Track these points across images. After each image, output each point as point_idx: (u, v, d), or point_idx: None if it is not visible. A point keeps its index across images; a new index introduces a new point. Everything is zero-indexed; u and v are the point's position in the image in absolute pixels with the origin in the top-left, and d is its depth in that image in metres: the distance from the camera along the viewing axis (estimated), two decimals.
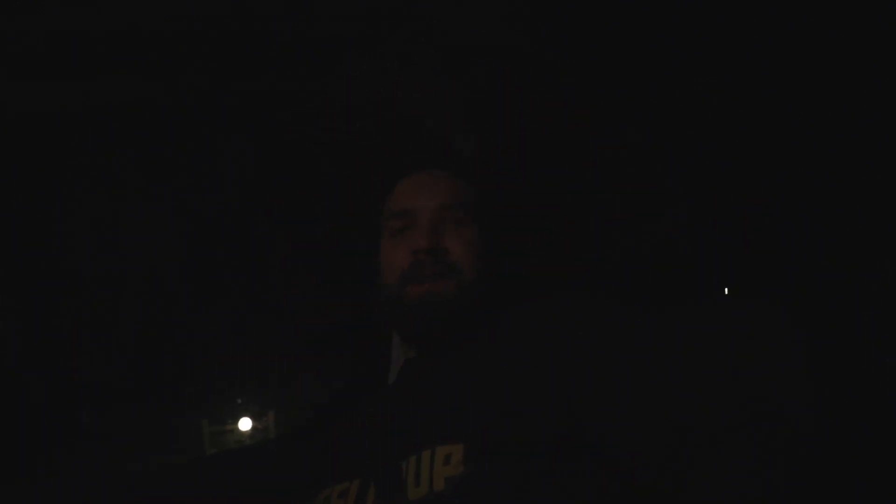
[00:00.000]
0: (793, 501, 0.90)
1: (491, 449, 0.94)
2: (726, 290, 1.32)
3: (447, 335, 1.12)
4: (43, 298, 2.00)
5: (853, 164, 1.25)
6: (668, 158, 1.37)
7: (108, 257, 2.10)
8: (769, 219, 1.34)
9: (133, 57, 1.18)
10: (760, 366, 0.95)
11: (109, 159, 1.87)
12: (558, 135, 1.43)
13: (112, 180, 1.96)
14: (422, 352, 1.15)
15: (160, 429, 2.27)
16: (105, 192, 1.97)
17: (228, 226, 2.24)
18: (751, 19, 1.25)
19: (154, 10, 1.13)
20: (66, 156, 1.77)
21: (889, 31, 1.17)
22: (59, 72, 1.18)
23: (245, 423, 2.47)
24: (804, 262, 1.26)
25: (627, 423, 0.94)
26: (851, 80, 1.21)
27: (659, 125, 1.38)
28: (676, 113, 1.36)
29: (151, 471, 1.38)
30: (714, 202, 1.38)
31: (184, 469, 1.44)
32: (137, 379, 2.21)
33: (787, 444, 0.89)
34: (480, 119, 1.42)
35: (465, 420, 1.00)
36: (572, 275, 1.27)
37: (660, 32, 1.21)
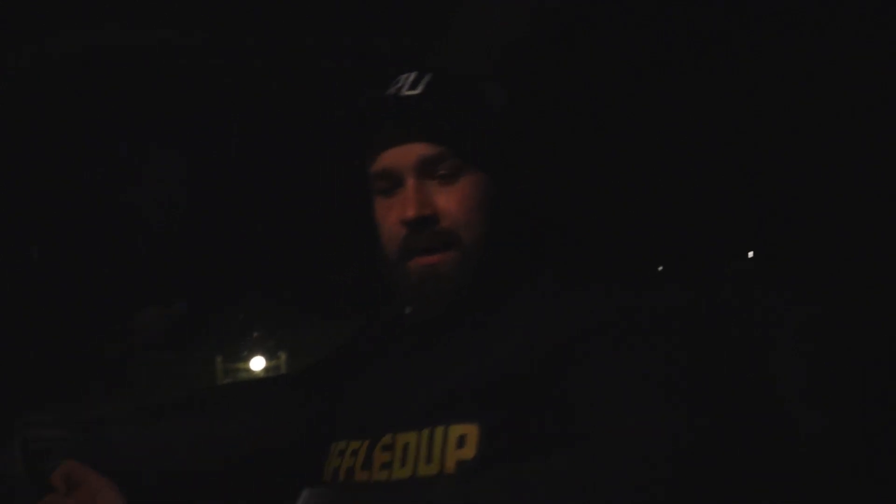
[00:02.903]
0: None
1: (506, 434, 0.93)
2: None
3: (454, 311, 1.08)
4: (69, 236, 2.02)
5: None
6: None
7: (125, 199, 2.11)
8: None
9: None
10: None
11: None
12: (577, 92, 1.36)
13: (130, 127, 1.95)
14: (434, 323, 1.11)
15: (175, 363, 2.32)
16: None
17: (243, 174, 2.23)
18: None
19: None
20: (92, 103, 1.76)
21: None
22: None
23: (258, 362, 2.52)
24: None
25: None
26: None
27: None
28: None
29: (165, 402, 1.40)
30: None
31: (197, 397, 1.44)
32: (157, 315, 2.24)
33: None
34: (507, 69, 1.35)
35: (482, 399, 1.00)
36: (586, 234, 1.22)
37: None
